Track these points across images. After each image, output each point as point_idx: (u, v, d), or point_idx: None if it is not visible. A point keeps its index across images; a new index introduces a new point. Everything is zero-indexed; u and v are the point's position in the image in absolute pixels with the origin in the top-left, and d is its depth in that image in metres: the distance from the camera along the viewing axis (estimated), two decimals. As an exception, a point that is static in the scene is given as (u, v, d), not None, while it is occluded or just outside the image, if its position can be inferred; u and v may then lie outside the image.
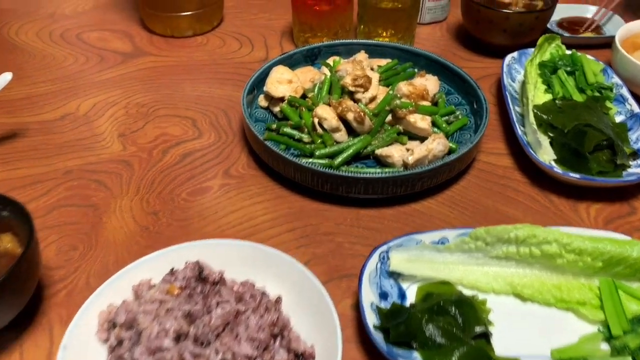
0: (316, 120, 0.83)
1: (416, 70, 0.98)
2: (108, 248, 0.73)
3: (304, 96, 0.91)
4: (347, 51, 1.02)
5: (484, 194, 0.81)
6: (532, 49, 1.04)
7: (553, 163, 0.82)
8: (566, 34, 1.14)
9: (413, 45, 1.14)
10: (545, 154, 0.82)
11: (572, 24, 1.18)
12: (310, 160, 0.80)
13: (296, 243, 0.73)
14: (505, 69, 0.99)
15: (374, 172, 0.79)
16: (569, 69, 0.97)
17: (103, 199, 0.80)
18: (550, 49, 1.02)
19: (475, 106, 0.90)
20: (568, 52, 1.01)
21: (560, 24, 1.19)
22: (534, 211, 0.79)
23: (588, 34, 1.15)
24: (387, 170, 0.80)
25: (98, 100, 0.98)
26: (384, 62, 0.98)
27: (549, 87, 0.96)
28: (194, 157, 0.87)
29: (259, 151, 0.83)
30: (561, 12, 1.19)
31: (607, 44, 1.11)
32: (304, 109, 0.86)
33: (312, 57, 1.01)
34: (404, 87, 0.85)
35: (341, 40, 1.01)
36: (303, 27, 1.09)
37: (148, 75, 1.05)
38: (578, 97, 0.93)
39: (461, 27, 1.20)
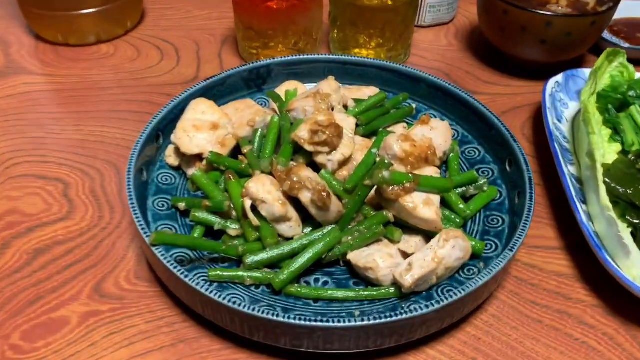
0: (248, 203, 0.49)
1: (415, 106, 0.64)
2: None
3: (237, 151, 0.58)
4: (312, 71, 0.68)
5: (528, 329, 0.48)
6: (583, 70, 0.71)
7: (645, 278, 0.49)
8: (624, 45, 0.81)
9: (408, 58, 0.80)
10: (634, 266, 0.48)
11: (632, 29, 0.84)
12: (236, 273, 0.47)
13: None
14: (548, 102, 0.65)
15: (342, 303, 0.46)
16: (646, 104, 0.64)
17: None
18: (611, 71, 0.68)
19: (508, 167, 0.57)
20: (639, 74, 0.68)
21: (613, 28, 0.85)
22: (616, 367, 0.46)
23: (656, 45, 0.82)
24: (365, 293, 0.47)
25: None
26: (365, 92, 0.64)
27: (616, 133, 0.63)
28: (51, 256, 0.53)
29: (149, 257, 0.49)
30: (613, 11, 0.85)
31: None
32: (231, 178, 0.52)
33: (258, 82, 0.67)
34: (396, 144, 0.51)
35: (302, 56, 0.67)
36: (249, 34, 0.74)
37: (15, 106, 0.70)
38: (665, 151, 0.60)
39: (475, 31, 0.86)
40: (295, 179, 0.49)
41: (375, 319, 0.41)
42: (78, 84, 0.74)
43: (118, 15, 0.82)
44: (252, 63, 0.66)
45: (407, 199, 0.48)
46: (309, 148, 0.52)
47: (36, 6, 0.79)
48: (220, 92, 0.64)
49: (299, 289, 0.47)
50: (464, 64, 0.80)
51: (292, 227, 0.50)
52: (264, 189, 0.49)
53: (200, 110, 0.58)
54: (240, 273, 0.47)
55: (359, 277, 0.49)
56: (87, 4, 0.79)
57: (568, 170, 0.58)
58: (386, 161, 0.51)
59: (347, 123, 0.55)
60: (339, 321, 0.41)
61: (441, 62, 0.80)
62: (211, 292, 0.42)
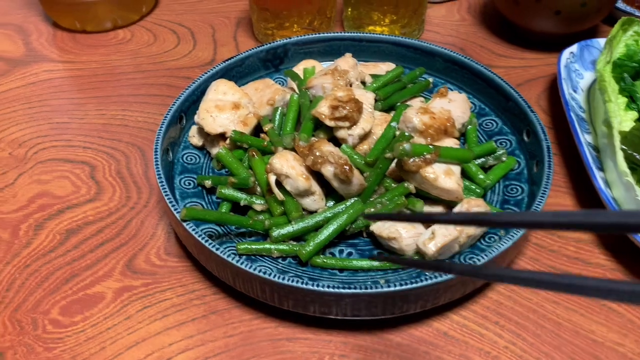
0: (273, 178, 0.50)
1: (431, 80, 0.64)
2: None
3: (258, 130, 0.59)
4: (327, 50, 0.69)
5: (548, 293, 0.49)
6: (598, 40, 0.71)
7: (664, 241, 0.50)
8: (638, 13, 0.81)
9: (422, 34, 0.80)
10: (653, 228, 0.49)
11: (645, -2, 0.84)
12: (263, 245, 0.49)
13: (234, 415, 0.42)
14: (563, 73, 0.66)
15: (367, 272, 0.48)
16: (662, 71, 0.64)
17: None
18: (626, 39, 0.68)
19: (525, 137, 0.58)
20: (654, 43, 0.68)
21: (626, -3, 0.85)
22: (638, 329, 0.47)
23: (671, 13, 0.81)
24: (386, 266, 0.48)
25: (-43, 136, 0.66)
26: (382, 67, 0.65)
27: (632, 100, 0.63)
28: (83, 236, 0.55)
29: (179, 233, 0.51)
30: (626, -20, 0.85)
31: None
32: (255, 155, 0.53)
33: (275, 62, 0.68)
34: (415, 117, 0.52)
35: (318, 35, 0.68)
36: (264, 15, 0.75)
37: (39, 93, 0.72)
38: (681, 118, 0.61)
39: (487, 5, 0.86)
40: (317, 154, 0.50)
41: (401, 284, 0.42)
42: (98, 69, 0.75)
43: (133, 1, 0.83)
44: (269, 43, 0.67)
45: (428, 169, 0.49)
46: (330, 123, 0.53)
47: (53, -5, 0.80)
48: (238, 73, 0.65)
49: (325, 260, 0.49)
50: (477, 38, 0.80)
51: (316, 200, 0.51)
52: (287, 164, 0.50)
53: (222, 91, 0.59)
54: (268, 246, 0.49)
55: (382, 247, 0.51)
56: (103, -9, 0.80)
57: (585, 138, 0.59)
58: (406, 134, 0.52)
59: (366, 98, 0.56)
60: (366, 288, 0.42)
61: (455, 37, 0.81)
62: (242, 263, 0.44)
